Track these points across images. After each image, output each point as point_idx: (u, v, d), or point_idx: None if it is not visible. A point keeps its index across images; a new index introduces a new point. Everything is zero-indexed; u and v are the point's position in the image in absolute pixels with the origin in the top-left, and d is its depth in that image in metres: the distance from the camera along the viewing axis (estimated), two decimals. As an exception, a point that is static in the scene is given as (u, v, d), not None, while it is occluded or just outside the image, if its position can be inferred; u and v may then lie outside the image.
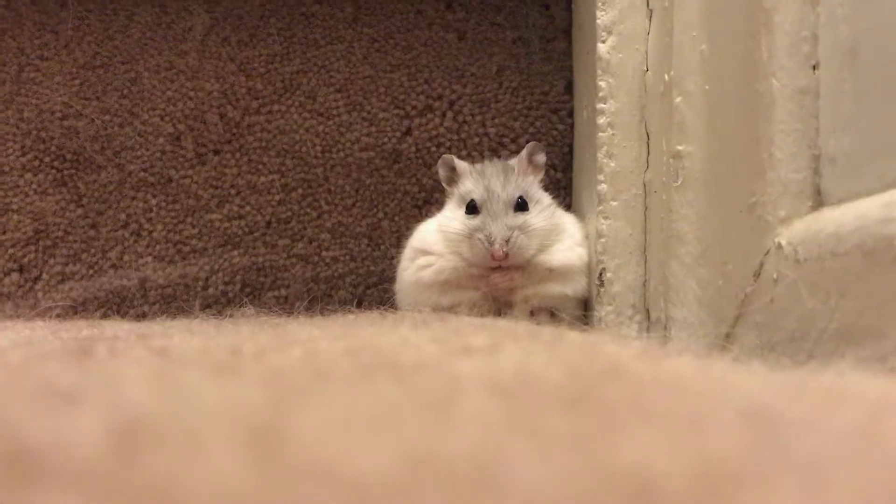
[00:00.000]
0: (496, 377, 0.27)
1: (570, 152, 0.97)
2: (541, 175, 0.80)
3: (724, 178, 0.63)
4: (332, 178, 0.98)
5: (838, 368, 0.39)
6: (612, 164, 0.75)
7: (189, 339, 0.41)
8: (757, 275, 0.57)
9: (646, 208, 0.74)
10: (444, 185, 0.81)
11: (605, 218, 0.75)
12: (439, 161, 0.82)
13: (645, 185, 0.74)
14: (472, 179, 0.77)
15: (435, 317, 0.63)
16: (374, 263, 0.97)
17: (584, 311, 0.78)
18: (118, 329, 0.58)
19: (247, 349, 0.34)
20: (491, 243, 0.70)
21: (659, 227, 0.70)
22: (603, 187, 0.75)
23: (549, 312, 0.76)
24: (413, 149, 0.98)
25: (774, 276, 0.55)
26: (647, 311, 0.73)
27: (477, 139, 0.98)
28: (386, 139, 0.98)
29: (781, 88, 0.56)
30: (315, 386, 0.26)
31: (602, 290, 0.75)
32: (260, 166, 0.98)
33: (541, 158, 0.80)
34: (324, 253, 0.97)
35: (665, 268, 0.68)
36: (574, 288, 0.76)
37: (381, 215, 0.99)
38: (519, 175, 0.77)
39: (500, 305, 0.75)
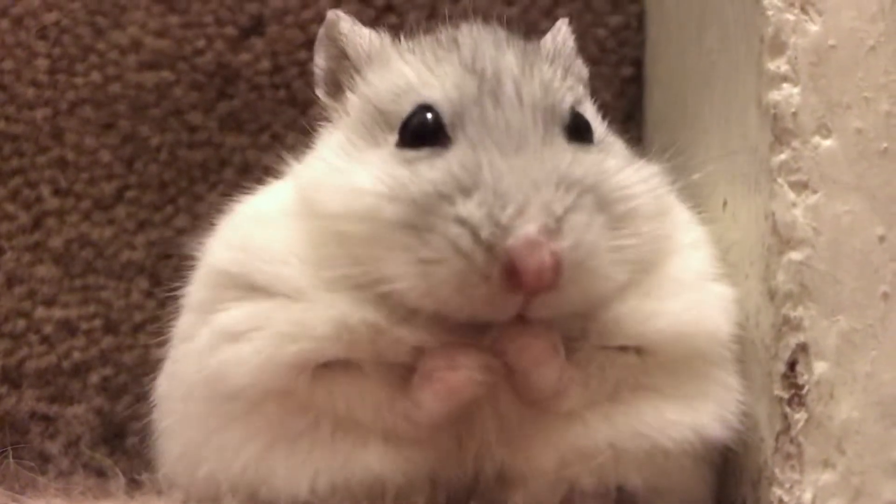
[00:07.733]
0: None
1: (638, 77, 0.56)
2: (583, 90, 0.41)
3: None
4: (70, 134, 0.55)
5: None
6: (815, 30, 0.30)
7: None
8: None
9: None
10: (321, 96, 0.41)
11: (804, 189, 0.31)
12: (321, 29, 0.41)
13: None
14: (413, 60, 0.37)
15: None
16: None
17: (711, 478, 0.35)
18: None
19: None
20: (506, 225, 0.28)
21: None
22: (788, 96, 0.32)
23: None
24: (266, 63, 0.55)
25: None
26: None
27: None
28: (202, 43, 0.56)
29: None
30: None
31: (799, 415, 0.31)
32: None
33: (578, 66, 0.41)
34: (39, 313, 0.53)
35: None
36: (715, 408, 0.32)
37: (182, 223, 0.54)
38: (558, 68, 0.37)
39: (465, 464, 0.32)
